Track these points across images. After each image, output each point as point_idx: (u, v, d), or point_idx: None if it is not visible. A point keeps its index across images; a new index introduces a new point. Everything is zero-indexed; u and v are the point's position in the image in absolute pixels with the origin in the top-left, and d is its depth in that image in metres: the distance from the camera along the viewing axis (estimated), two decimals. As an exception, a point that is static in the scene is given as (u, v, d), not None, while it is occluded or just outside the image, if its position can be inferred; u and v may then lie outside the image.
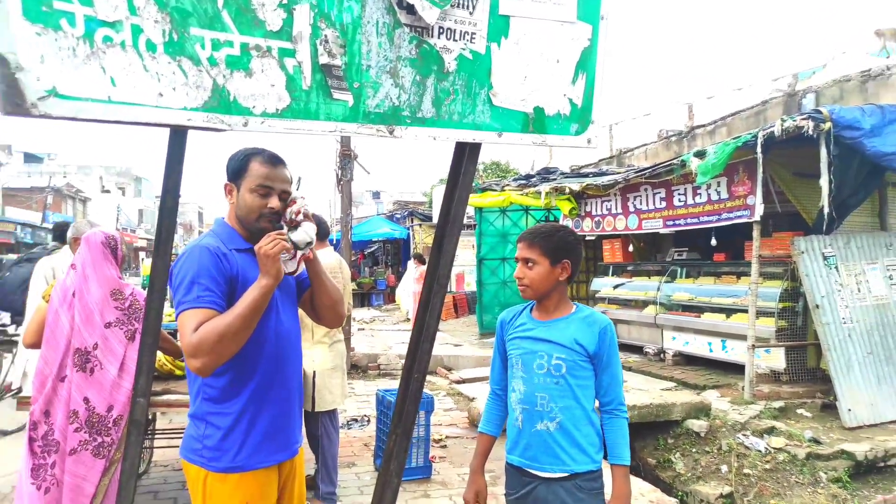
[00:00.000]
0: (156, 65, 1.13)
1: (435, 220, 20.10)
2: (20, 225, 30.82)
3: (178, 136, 1.29)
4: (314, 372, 3.97)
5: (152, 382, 1.45)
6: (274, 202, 1.89)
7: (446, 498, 4.22)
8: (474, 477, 2.20)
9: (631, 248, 9.92)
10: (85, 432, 2.97)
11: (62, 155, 46.39)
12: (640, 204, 8.60)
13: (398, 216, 24.86)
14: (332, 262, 4.17)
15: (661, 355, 8.61)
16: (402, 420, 1.63)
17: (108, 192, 43.34)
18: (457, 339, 12.07)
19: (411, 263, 15.60)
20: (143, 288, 2.94)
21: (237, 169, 1.93)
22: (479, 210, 12.68)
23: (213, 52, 1.18)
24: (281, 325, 1.95)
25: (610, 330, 2.05)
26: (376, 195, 50.65)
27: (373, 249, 26.54)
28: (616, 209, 9.12)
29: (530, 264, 2.08)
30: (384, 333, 13.07)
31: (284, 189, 1.92)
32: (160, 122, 1.15)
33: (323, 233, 4.33)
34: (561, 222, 10.15)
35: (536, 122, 1.60)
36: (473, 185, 13.67)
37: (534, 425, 2.02)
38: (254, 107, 1.24)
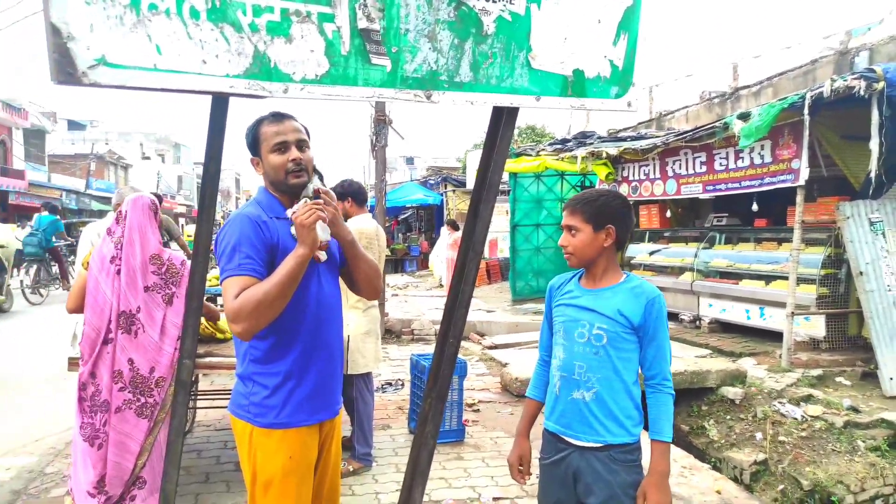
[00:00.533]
0: (199, 32, 1.15)
1: (469, 185, 19.99)
2: (65, 191, 31.73)
3: (221, 103, 1.30)
4: (348, 336, 4.04)
5: (197, 345, 1.50)
6: (293, 153, 1.95)
7: (479, 460, 4.30)
8: (519, 440, 2.22)
9: (668, 214, 9.75)
10: (129, 392, 3.07)
11: (104, 122, 47.19)
12: (680, 168, 8.42)
13: (432, 182, 24.81)
14: (369, 229, 4.21)
15: (697, 322, 8.53)
16: (437, 384, 1.66)
17: (148, 158, 44.16)
18: (490, 306, 12.11)
19: (444, 230, 15.60)
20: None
21: (253, 140, 2.02)
22: (514, 175, 12.56)
23: (255, 18, 1.18)
24: (322, 292, 2.01)
25: (658, 302, 2.00)
26: (410, 161, 50.52)
27: (406, 215, 26.61)
28: (654, 174, 8.94)
29: (573, 232, 2.04)
30: (417, 299, 13.18)
31: (299, 139, 1.98)
32: (204, 89, 1.17)
33: (361, 199, 4.37)
34: (597, 187, 10.01)
35: (576, 85, 1.57)
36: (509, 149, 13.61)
37: (570, 393, 2.02)
38: (294, 73, 1.25)
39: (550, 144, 11.38)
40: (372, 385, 4.28)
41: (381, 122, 8.05)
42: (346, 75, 1.31)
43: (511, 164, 11.67)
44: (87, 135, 41.84)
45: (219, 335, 3.80)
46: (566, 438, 2.03)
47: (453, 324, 1.62)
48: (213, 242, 2.01)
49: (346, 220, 4.24)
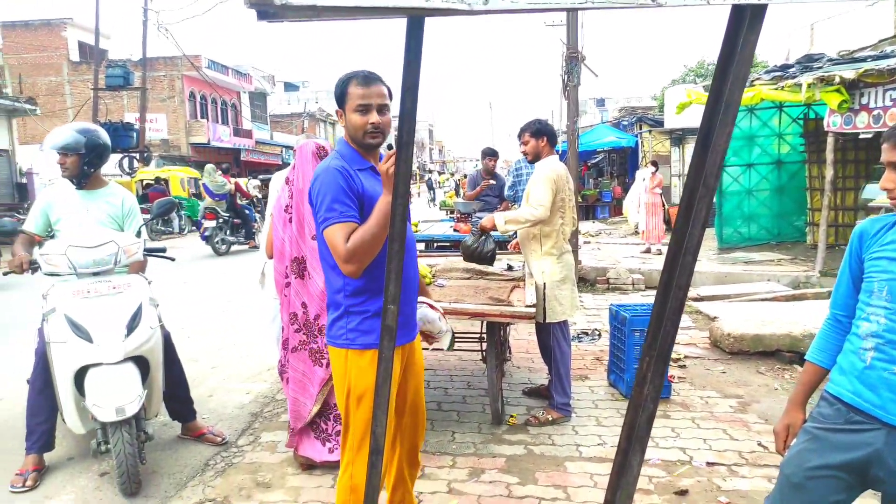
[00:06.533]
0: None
1: (667, 125, 18.53)
2: (284, 147, 35.38)
3: (416, 25, 1.19)
4: (544, 284, 3.91)
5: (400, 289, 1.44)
6: (373, 117, 2.17)
7: (688, 420, 3.98)
8: (792, 409, 1.93)
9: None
10: (303, 333, 3.26)
11: (314, 82, 51.47)
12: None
13: (625, 123, 23.47)
14: (562, 171, 4.01)
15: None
16: (657, 341, 1.45)
17: (348, 113, 47.40)
18: (692, 254, 11.23)
19: (642, 172, 14.64)
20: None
21: (340, 95, 2.22)
22: (722, 110, 11.32)
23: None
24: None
25: None
26: (601, 103, 48.38)
27: (597, 160, 25.59)
28: (906, 98, 7.45)
29: None
30: (611, 247, 12.67)
31: (381, 103, 2.19)
32: (398, 5, 1.06)
33: (554, 141, 4.18)
34: (827, 119, 8.64)
35: (848, -31, 1.20)
36: (715, 81, 12.14)
37: (890, 368, 1.66)
38: (494, -18, 1.08)
39: (768, 72, 9.99)
40: (569, 334, 4.13)
41: (574, 59, 7.62)
42: (555, -20, 1.11)
43: (719, 98, 10.49)
44: (300, 95, 45.96)
45: (426, 280, 3.90)
46: (873, 416, 1.69)
47: (679, 272, 1.39)
48: (308, 193, 2.29)
49: (538, 160, 4.12)
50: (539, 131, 4.11)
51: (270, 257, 3.51)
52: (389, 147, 2.19)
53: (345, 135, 2.29)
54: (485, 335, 4.14)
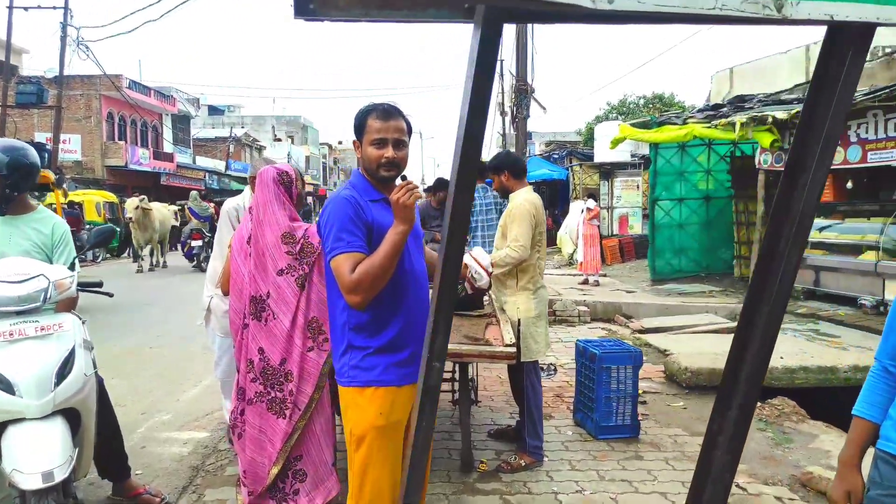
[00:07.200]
0: None
1: (597, 159, 19.04)
2: (208, 172, 34.10)
3: (492, 25, 0.96)
4: (519, 320, 3.73)
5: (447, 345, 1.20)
6: (388, 152, 2.14)
7: (662, 461, 3.85)
8: (848, 473, 1.76)
9: (850, 185, 8.62)
10: (260, 383, 2.89)
11: (243, 107, 50.02)
12: (866, 132, 7.35)
13: (556, 156, 24.03)
14: (536, 203, 3.89)
15: (882, 308, 7.49)
16: (738, 399, 1.27)
17: (279, 140, 46.39)
18: (627, 286, 11.44)
19: (577, 204, 14.88)
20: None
21: (358, 126, 2.20)
22: (655, 146, 11.72)
23: None
24: (414, 267, 2.21)
25: None
26: (528, 136, 49.37)
27: (528, 192, 26.03)
28: (832, 140, 7.88)
29: None
30: (548, 278, 12.72)
31: (397, 138, 2.16)
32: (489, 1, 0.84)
33: (519, 170, 4.06)
34: (758, 157, 9.03)
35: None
36: (649, 119, 12.45)
37: None
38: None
39: (700, 111, 10.42)
40: (540, 372, 3.96)
41: (523, 92, 7.64)
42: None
43: (651, 134, 10.86)
44: (224, 119, 44.65)
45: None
46: None
47: (764, 323, 1.22)
48: (318, 224, 2.25)
49: (507, 196, 3.97)
50: (497, 167, 3.99)
51: (226, 293, 3.15)
52: (403, 178, 2.13)
53: (360, 166, 2.27)
54: (456, 375, 3.90)
